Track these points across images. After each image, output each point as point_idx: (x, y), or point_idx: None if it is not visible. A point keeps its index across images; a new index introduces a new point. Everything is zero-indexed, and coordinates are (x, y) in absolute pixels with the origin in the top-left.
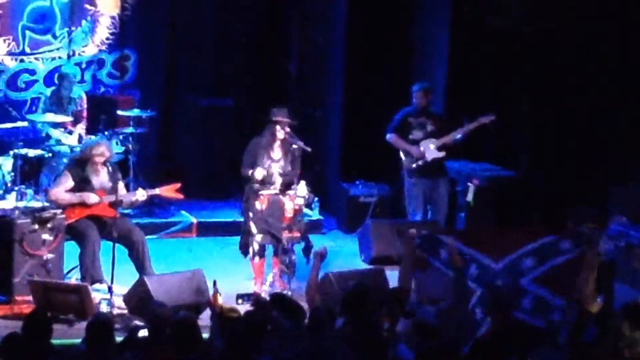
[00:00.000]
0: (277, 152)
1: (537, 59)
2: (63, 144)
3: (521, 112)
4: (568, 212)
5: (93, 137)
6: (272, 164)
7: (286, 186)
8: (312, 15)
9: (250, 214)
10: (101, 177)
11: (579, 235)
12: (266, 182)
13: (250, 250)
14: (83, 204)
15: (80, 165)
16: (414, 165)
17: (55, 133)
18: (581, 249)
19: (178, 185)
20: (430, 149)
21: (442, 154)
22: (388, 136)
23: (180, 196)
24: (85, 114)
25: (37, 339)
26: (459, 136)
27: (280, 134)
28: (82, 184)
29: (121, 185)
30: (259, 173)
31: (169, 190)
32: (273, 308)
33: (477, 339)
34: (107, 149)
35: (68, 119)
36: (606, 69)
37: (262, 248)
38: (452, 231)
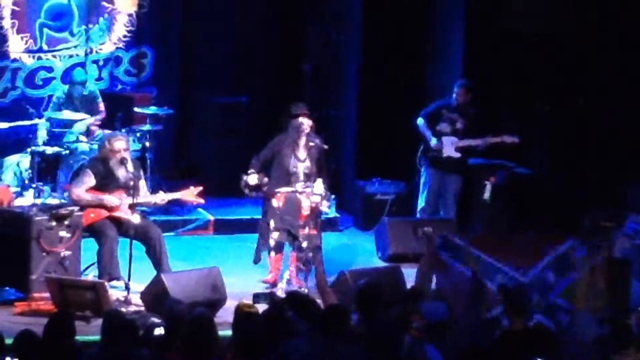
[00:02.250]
0: (302, 152)
1: (553, 59)
2: (81, 141)
3: (538, 112)
4: (585, 211)
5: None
6: (299, 163)
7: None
8: (328, 14)
9: (269, 212)
10: (125, 172)
11: (594, 239)
12: (291, 180)
13: (268, 245)
14: (103, 206)
15: (102, 162)
16: (428, 155)
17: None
18: (597, 255)
19: (199, 188)
20: (449, 147)
21: (457, 155)
22: (418, 120)
23: (201, 201)
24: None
25: (60, 339)
26: (479, 145)
27: (305, 127)
28: (106, 180)
29: (142, 183)
30: (252, 179)
31: (189, 195)
32: (289, 307)
33: (497, 338)
34: (125, 139)
35: (86, 116)
36: (624, 69)
37: (281, 244)
38: (468, 232)
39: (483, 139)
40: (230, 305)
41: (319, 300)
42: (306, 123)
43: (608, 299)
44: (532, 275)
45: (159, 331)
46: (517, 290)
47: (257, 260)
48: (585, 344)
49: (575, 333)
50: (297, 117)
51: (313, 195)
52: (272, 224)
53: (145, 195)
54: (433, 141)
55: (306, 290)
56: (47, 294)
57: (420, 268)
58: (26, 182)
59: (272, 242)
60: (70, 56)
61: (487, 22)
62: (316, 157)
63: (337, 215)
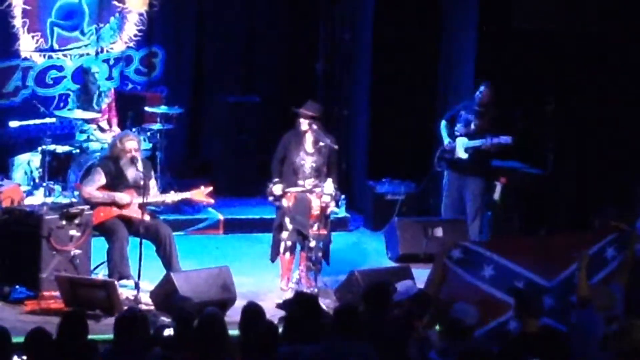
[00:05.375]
0: (309, 146)
1: (565, 58)
2: (91, 140)
3: (548, 111)
4: (595, 210)
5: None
6: (306, 156)
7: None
8: (340, 14)
9: (279, 211)
10: (135, 172)
11: (621, 238)
12: (298, 175)
13: (282, 245)
14: (114, 204)
15: (113, 161)
16: (445, 156)
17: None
18: (624, 254)
19: (209, 188)
20: (459, 148)
21: (465, 156)
22: (442, 123)
23: (211, 201)
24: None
25: (75, 338)
26: (480, 146)
27: (303, 126)
28: (117, 179)
29: (153, 183)
30: (277, 189)
31: (199, 194)
32: (297, 307)
33: (508, 341)
34: (136, 138)
35: (96, 115)
36: (633, 69)
37: (294, 245)
38: (481, 232)
39: (484, 140)
40: (240, 304)
41: (327, 300)
42: (304, 124)
43: (626, 298)
44: (558, 280)
45: (169, 331)
46: (530, 294)
47: (273, 259)
48: (592, 342)
49: (582, 331)
50: (298, 116)
51: (324, 195)
52: (283, 223)
53: (155, 195)
54: (446, 141)
55: (316, 290)
56: (57, 293)
57: (432, 271)
58: (37, 180)
59: (286, 243)
60: (81, 55)
61: (500, 22)
62: (327, 157)
63: (347, 215)
